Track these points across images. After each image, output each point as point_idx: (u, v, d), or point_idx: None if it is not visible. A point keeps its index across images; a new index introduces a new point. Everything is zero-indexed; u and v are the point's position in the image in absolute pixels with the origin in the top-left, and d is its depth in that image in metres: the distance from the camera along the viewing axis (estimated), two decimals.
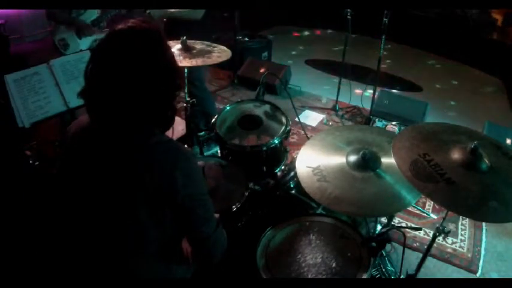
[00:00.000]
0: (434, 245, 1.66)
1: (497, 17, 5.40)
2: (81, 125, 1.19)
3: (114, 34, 1.09)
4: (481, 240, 2.59)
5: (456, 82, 4.84)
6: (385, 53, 3.48)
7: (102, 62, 1.08)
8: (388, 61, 5.15)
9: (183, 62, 2.24)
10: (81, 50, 2.73)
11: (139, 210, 1.12)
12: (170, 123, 1.18)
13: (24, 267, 1.68)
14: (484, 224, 2.71)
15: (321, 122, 3.86)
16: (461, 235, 2.62)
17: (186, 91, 2.56)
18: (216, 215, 1.29)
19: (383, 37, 3.28)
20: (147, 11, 2.87)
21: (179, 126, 2.90)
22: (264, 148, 2.10)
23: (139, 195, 1.11)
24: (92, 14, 3.05)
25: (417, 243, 2.51)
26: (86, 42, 3.06)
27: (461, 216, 2.70)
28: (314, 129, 3.72)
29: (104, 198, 1.15)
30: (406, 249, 1.82)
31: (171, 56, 1.15)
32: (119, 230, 1.17)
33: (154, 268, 1.24)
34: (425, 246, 1.66)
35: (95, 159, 1.15)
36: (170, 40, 2.40)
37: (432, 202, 2.83)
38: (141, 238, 1.17)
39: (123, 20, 1.11)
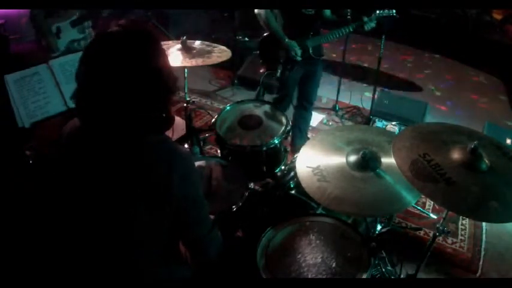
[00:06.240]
0: (434, 245, 1.65)
1: (497, 17, 5.40)
2: (77, 125, 1.18)
3: (105, 35, 1.08)
4: (481, 240, 2.59)
5: (456, 82, 4.84)
6: (387, 52, 3.48)
7: (93, 63, 1.06)
8: (387, 61, 5.15)
9: (183, 62, 2.24)
10: (72, 43, 2.75)
11: (137, 211, 1.12)
12: (166, 125, 1.17)
13: (24, 267, 1.68)
14: (484, 224, 2.71)
15: (321, 122, 3.86)
16: (461, 235, 2.62)
17: (186, 91, 2.56)
18: (211, 217, 1.29)
19: (383, 37, 3.29)
20: (149, 12, 2.86)
21: (179, 126, 2.90)
22: (264, 148, 2.10)
23: (136, 196, 1.10)
24: (72, 15, 3.05)
25: (417, 243, 2.51)
26: (63, 43, 3.04)
27: (461, 216, 2.70)
28: (314, 129, 3.72)
29: (101, 200, 1.14)
30: (406, 249, 1.82)
31: (164, 58, 1.12)
32: (118, 232, 1.17)
33: (154, 269, 1.24)
34: (426, 246, 1.66)
35: (91, 160, 1.13)
36: None
37: (432, 202, 2.83)
38: (141, 238, 1.17)
39: (114, 21, 1.09)
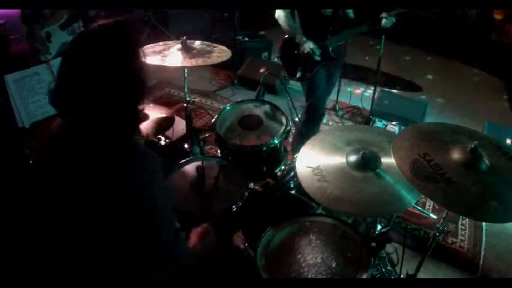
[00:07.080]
0: (434, 245, 1.65)
1: (498, 17, 5.40)
2: (58, 125, 1.16)
3: (84, 35, 1.09)
4: (481, 240, 2.59)
5: (456, 82, 4.84)
6: (387, 52, 3.47)
7: (70, 62, 1.07)
8: (387, 61, 5.15)
9: (183, 62, 2.24)
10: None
11: (115, 213, 1.09)
12: (133, 128, 1.16)
13: (24, 268, 1.68)
14: (484, 224, 2.71)
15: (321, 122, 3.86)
16: (461, 235, 2.62)
17: (186, 91, 2.56)
18: (177, 224, 1.27)
19: (383, 37, 3.29)
20: (150, 12, 2.85)
21: (179, 126, 2.89)
22: (264, 148, 2.10)
23: (111, 198, 1.08)
24: (60, 18, 3.05)
25: (417, 243, 2.51)
26: (55, 46, 3.05)
27: (461, 216, 2.70)
28: None
29: (76, 202, 1.09)
30: (406, 249, 1.82)
31: (139, 60, 1.11)
32: (98, 234, 1.11)
33: (142, 272, 1.20)
34: (426, 246, 1.66)
35: (66, 162, 1.11)
36: None
37: (432, 202, 2.83)
38: (122, 240, 1.12)
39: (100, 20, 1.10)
